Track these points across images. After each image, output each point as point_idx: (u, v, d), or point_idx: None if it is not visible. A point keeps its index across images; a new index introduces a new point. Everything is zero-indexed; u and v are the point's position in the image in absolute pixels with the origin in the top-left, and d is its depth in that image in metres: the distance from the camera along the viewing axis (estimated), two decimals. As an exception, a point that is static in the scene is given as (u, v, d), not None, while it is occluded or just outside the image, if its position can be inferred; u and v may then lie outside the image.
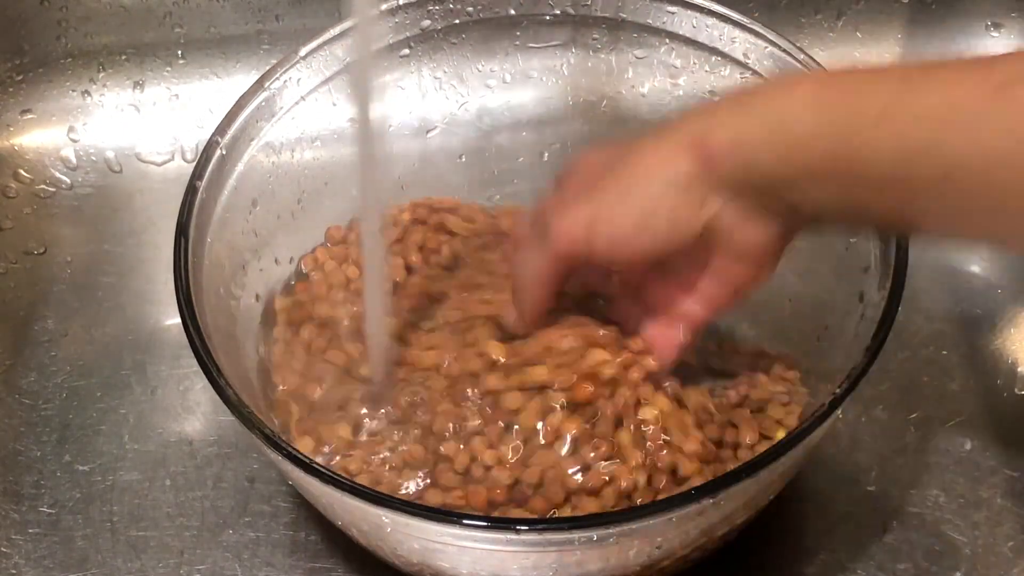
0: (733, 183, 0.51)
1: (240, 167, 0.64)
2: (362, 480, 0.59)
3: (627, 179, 0.53)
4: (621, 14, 0.69)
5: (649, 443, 0.58)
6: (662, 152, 0.52)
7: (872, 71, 0.50)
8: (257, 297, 0.67)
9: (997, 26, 0.85)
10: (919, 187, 0.47)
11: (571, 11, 0.70)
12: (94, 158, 0.83)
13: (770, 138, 0.50)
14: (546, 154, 0.76)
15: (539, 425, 0.58)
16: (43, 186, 0.82)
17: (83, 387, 0.72)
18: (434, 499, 0.58)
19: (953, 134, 0.45)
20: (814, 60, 0.64)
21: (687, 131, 0.52)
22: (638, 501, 0.58)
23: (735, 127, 0.51)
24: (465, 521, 0.52)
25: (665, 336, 0.59)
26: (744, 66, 0.67)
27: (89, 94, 0.84)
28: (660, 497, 0.58)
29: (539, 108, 0.75)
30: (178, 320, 0.57)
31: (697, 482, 0.58)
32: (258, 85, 0.65)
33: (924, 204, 0.48)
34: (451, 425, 0.59)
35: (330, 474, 0.52)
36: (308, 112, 0.68)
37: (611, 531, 0.51)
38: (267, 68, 0.66)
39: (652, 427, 0.58)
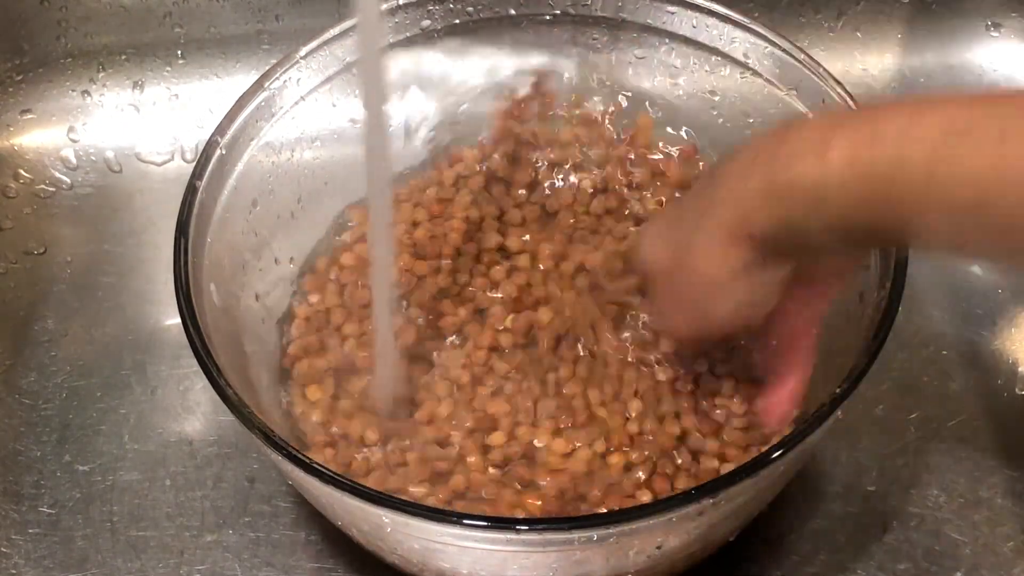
0: (791, 254, 0.52)
1: (240, 167, 0.64)
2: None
3: (703, 287, 0.53)
4: (621, 14, 0.69)
5: None
6: (717, 253, 0.52)
7: (908, 117, 0.46)
8: (257, 297, 0.67)
9: (997, 26, 0.85)
10: (971, 239, 0.47)
11: (571, 11, 0.70)
12: (94, 158, 0.83)
13: (814, 217, 0.48)
14: (546, 154, 0.76)
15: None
16: (43, 186, 0.82)
17: (83, 387, 0.72)
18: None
19: (1005, 193, 0.43)
20: (814, 60, 0.64)
21: (727, 223, 0.51)
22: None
23: (772, 213, 0.49)
24: (465, 521, 0.52)
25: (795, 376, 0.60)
26: (744, 66, 0.67)
27: (89, 94, 0.84)
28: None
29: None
30: (178, 320, 0.57)
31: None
32: (258, 85, 0.65)
33: (977, 250, 0.48)
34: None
35: (330, 474, 0.52)
36: (308, 112, 0.68)
37: (611, 531, 0.51)
38: (267, 68, 0.66)
39: None
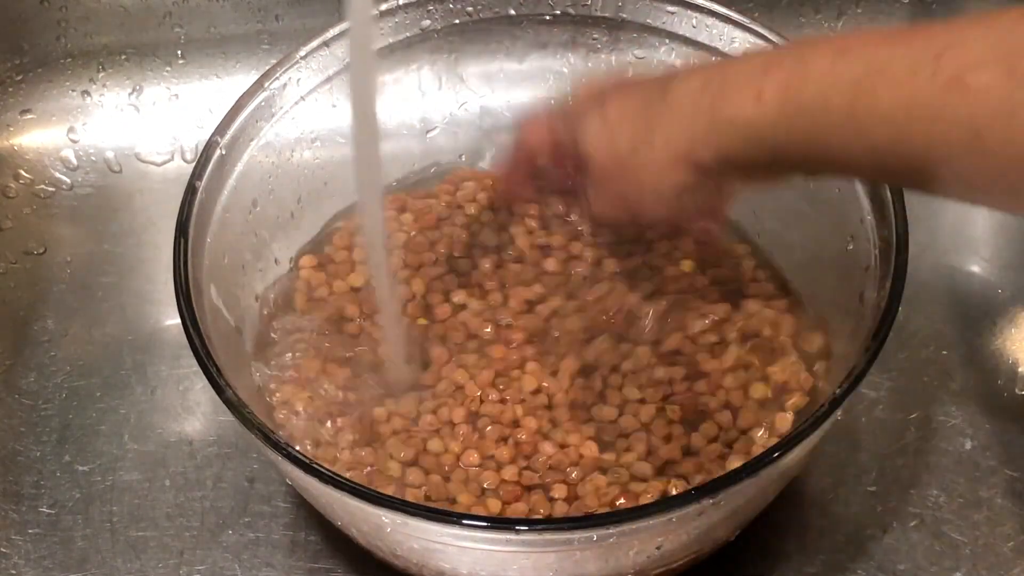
0: (734, 177, 0.55)
1: (240, 167, 0.64)
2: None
3: (643, 192, 0.56)
4: (621, 14, 0.69)
5: None
6: (662, 171, 0.55)
7: (832, 56, 0.48)
8: (257, 297, 0.67)
9: (997, 26, 0.85)
10: (894, 174, 0.51)
11: (571, 11, 0.70)
12: (94, 158, 0.83)
13: (751, 150, 0.51)
14: (546, 154, 0.75)
15: None
16: (43, 186, 0.82)
17: (83, 387, 0.72)
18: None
19: (914, 131, 0.46)
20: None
21: (675, 148, 0.54)
22: None
23: (714, 145, 0.52)
24: (465, 521, 0.52)
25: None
26: (744, 66, 0.67)
27: (89, 94, 0.84)
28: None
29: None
30: (178, 320, 0.57)
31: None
32: (258, 85, 0.65)
33: (902, 183, 0.53)
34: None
35: (330, 474, 0.52)
36: (308, 112, 0.68)
37: (611, 531, 0.51)
38: (267, 68, 0.66)
39: None
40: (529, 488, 0.60)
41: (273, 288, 0.68)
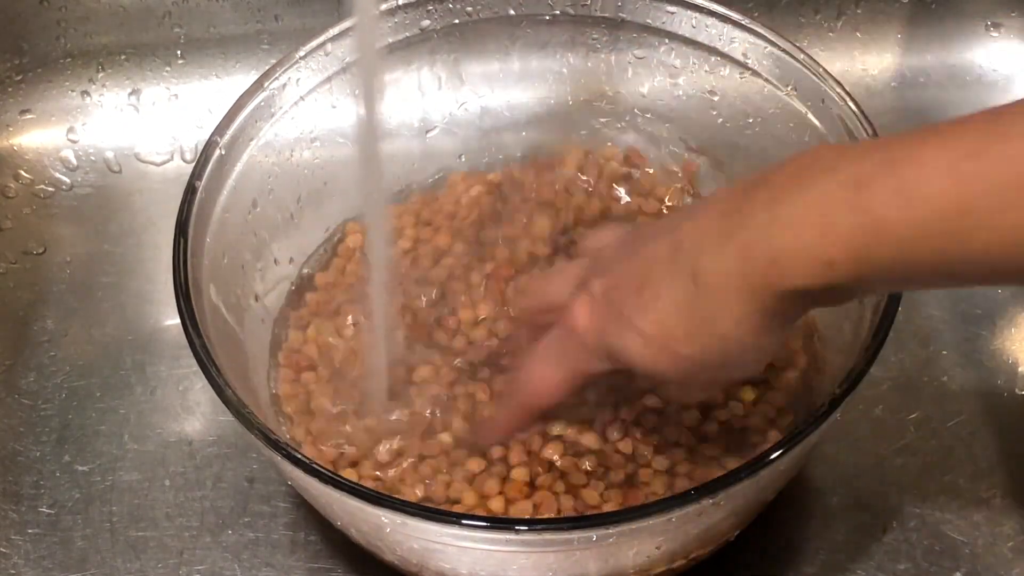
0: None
1: (239, 167, 0.64)
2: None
3: (734, 360, 0.51)
4: (621, 14, 0.69)
5: None
6: (747, 347, 0.50)
7: (911, 168, 0.43)
8: (256, 297, 0.67)
9: (997, 26, 0.85)
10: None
11: (571, 11, 0.70)
12: (93, 158, 0.83)
13: (828, 298, 0.48)
14: (546, 154, 0.76)
15: None
16: (43, 186, 0.82)
17: (83, 387, 0.72)
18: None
19: None
20: (813, 60, 0.64)
21: (760, 290, 0.48)
22: None
23: (797, 307, 0.49)
24: (464, 521, 0.52)
25: None
26: (744, 66, 0.67)
27: (88, 94, 0.84)
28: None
29: (539, 108, 0.75)
30: (178, 320, 0.57)
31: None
32: (257, 85, 0.65)
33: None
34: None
35: (329, 474, 0.52)
36: (308, 112, 0.68)
37: (611, 531, 0.51)
38: (267, 68, 0.66)
39: None
40: (535, 487, 0.61)
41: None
